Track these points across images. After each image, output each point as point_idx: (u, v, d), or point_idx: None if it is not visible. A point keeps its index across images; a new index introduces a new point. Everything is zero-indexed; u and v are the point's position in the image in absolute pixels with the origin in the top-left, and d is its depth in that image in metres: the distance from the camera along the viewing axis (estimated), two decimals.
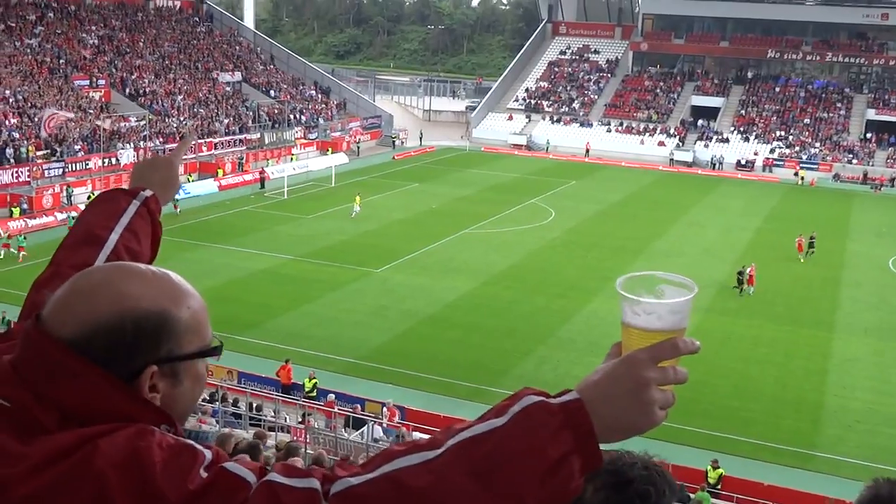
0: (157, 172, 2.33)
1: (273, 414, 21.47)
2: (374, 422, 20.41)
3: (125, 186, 2.26)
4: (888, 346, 29.63)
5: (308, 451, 15.76)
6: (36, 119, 46.25)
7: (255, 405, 21.72)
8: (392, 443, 18.85)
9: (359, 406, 22.37)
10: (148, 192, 2.21)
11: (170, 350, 1.53)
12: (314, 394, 23.31)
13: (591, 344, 28.66)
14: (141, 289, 1.53)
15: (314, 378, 23.73)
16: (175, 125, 54.96)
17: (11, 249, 35.53)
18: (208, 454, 1.42)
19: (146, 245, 2.15)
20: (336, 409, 21.93)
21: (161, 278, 1.57)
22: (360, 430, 19.90)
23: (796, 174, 64.37)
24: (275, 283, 33.17)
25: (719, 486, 19.85)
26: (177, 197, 45.36)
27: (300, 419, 21.25)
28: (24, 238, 36.38)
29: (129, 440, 1.39)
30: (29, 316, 1.84)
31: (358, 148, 65.63)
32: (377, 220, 44.03)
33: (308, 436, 18.68)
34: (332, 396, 22.60)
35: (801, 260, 39.84)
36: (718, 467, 19.93)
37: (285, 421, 21.23)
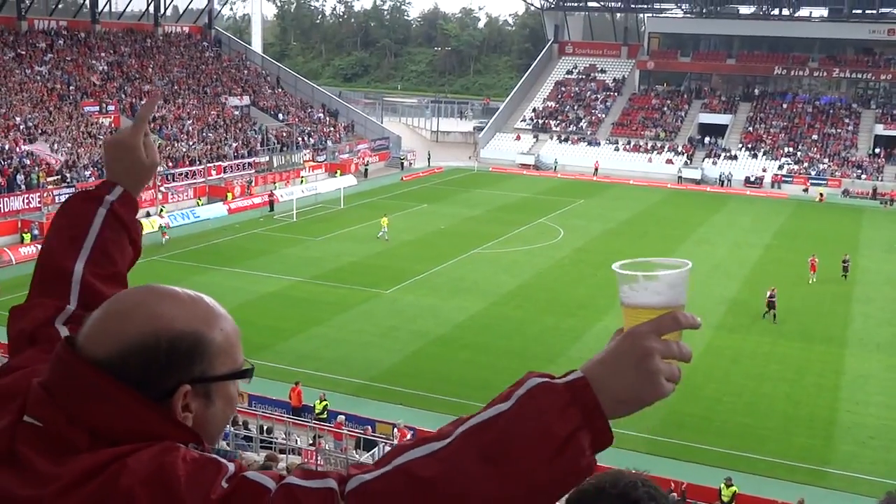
0: (121, 161, 2.09)
1: (284, 436, 21.45)
2: (385, 443, 20.35)
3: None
4: None
5: None
6: (36, 148, 46.50)
7: (265, 427, 21.70)
8: None
9: (369, 427, 22.33)
10: (114, 195, 2.03)
11: (203, 371, 1.55)
12: (325, 415, 23.28)
13: None
14: (174, 310, 1.55)
15: (325, 400, 23.71)
16: (185, 149, 55.24)
17: None
18: (231, 466, 1.45)
19: (123, 259, 2.04)
20: (346, 431, 21.90)
21: (195, 300, 1.60)
22: (370, 452, 19.86)
23: (806, 191, 64.32)
24: (285, 306, 33.22)
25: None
26: (183, 221, 45.68)
27: (311, 441, 21.22)
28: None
29: (155, 456, 1.42)
30: (18, 344, 1.89)
31: (366, 170, 65.80)
32: (386, 242, 44.08)
33: (319, 458, 18.63)
34: (341, 418, 22.56)
35: (811, 281, 38.97)
36: (732, 485, 19.81)
37: (296, 443, 21.20)
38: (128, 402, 1.49)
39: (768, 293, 33.67)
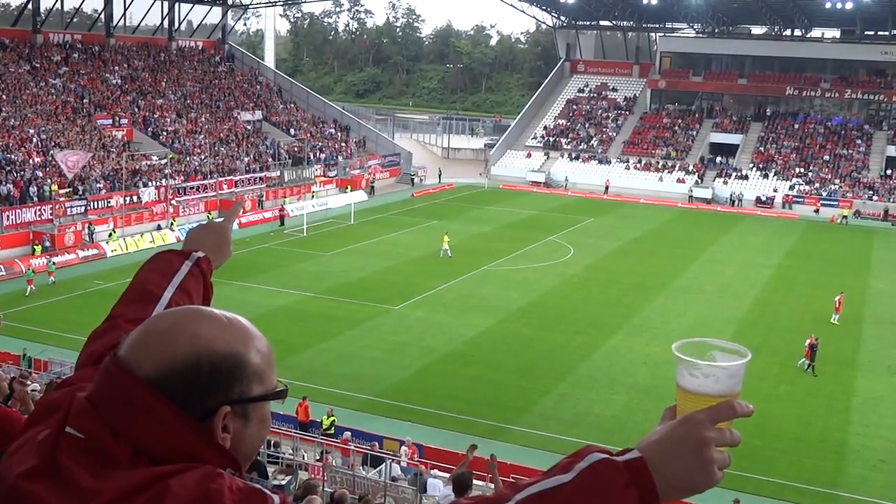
0: (210, 237, 2.39)
1: (291, 451, 21.39)
2: (392, 460, 20.28)
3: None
4: None
5: (326, 489, 15.68)
6: (56, 155, 46.71)
7: (272, 442, 21.65)
8: (409, 479, 18.74)
9: (377, 444, 22.26)
10: (200, 254, 2.26)
11: (241, 392, 1.56)
12: (332, 431, 23.22)
13: (612, 381, 28.50)
14: (215, 331, 1.57)
15: (332, 415, 23.65)
16: (196, 163, 55.46)
17: (33, 287, 35.95)
18: (276, 499, 1.46)
19: (198, 303, 2.19)
20: (353, 447, 21.83)
21: (233, 322, 1.61)
22: (377, 469, 19.78)
23: (816, 211, 64.15)
24: (294, 320, 33.23)
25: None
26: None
27: (318, 457, 21.16)
28: (54, 264, 38.49)
29: (201, 482, 1.42)
30: (86, 364, 1.91)
31: (372, 188, 65.59)
32: (396, 257, 44.11)
33: (325, 474, 18.57)
34: (348, 434, 22.51)
35: (835, 322, 35.91)
36: None
37: (303, 458, 21.14)
38: (173, 420, 1.49)
39: (808, 341, 30.41)
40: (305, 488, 11.51)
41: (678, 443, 1.48)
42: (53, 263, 38.78)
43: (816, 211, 64.77)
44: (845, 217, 62.44)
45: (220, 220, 2.47)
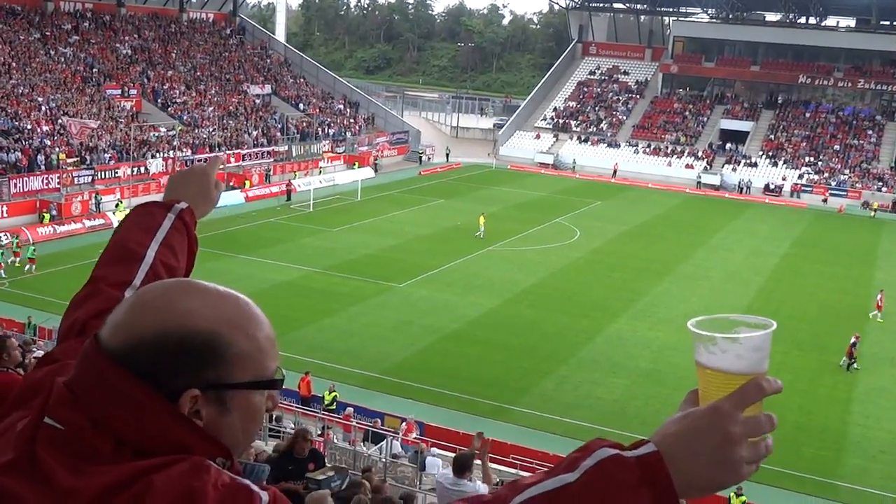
0: (192, 185, 2.23)
1: (293, 426, 21.46)
2: (393, 437, 20.35)
3: (159, 199, 2.20)
4: None
5: (326, 464, 15.72)
6: (67, 123, 46.70)
7: (274, 416, 21.72)
8: (410, 457, 18.79)
9: (378, 420, 22.32)
10: (183, 205, 2.13)
11: (218, 376, 1.43)
12: (333, 407, 23.30)
13: (614, 365, 28.52)
14: (195, 306, 1.44)
15: (334, 391, 23.73)
16: (205, 136, 55.41)
17: (16, 262, 34.94)
18: (265, 496, 1.35)
19: (183, 259, 2.09)
20: (355, 423, 21.90)
21: (224, 299, 1.48)
22: (378, 445, 19.85)
23: (825, 201, 63.97)
24: (298, 296, 33.28)
25: (731, 487, 19.58)
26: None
27: (319, 432, 21.23)
28: (34, 250, 35.57)
29: (184, 478, 1.32)
30: (68, 334, 1.82)
31: (376, 165, 65.29)
32: (401, 235, 44.10)
33: (326, 449, 18.63)
34: (350, 410, 22.58)
35: (879, 319, 35.42)
36: (742, 494, 19.70)
37: None
38: (155, 409, 1.39)
39: (852, 339, 30.14)
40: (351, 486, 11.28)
41: (700, 437, 1.32)
42: (34, 250, 35.48)
43: (825, 200, 64.54)
44: (875, 210, 61.48)
45: (202, 164, 2.32)
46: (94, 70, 56.65)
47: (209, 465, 1.36)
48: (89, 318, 1.84)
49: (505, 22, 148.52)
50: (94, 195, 44.19)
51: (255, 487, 1.36)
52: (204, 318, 1.43)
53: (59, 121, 48.16)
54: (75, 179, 45.01)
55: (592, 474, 1.30)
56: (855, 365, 29.77)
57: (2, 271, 34.27)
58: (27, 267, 34.55)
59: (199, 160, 51.71)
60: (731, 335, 1.36)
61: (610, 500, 1.29)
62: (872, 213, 61.30)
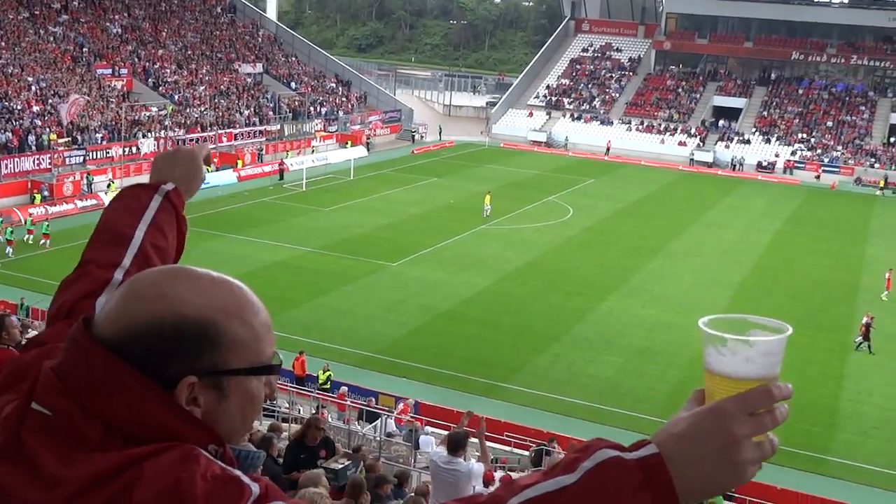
0: (179, 165, 2.21)
1: (287, 405, 21.53)
2: (387, 415, 20.43)
3: (146, 181, 2.19)
4: None
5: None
6: (57, 106, 46.45)
7: None
8: (404, 436, 18.87)
9: (373, 399, 22.40)
10: (169, 186, 2.12)
11: (213, 362, 1.42)
12: (328, 386, 23.37)
13: (607, 343, 28.62)
14: (188, 294, 1.42)
15: (328, 370, 23.79)
16: (196, 115, 55.17)
17: (30, 239, 35.71)
18: (255, 488, 1.31)
19: (172, 240, 2.08)
20: (349, 402, 21.97)
21: (217, 285, 1.46)
22: (373, 424, 19.93)
23: (818, 177, 64.03)
24: (291, 275, 33.27)
25: (733, 489, 19.78)
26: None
27: (314, 411, 21.29)
28: (48, 225, 36.44)
29: (173, 468, 1.29)
30: (56, 317, 1.80)
31: (369, 144, 64.88)
32: (394, 214, 44.07)
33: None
34: (344, 389, 22.65)
35: (884, 298, 35.13)
36: None
37: (299, 412, 21.28)
38: (146, 395, 1.37)
39: (864, 320, 29.84)
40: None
41: (703, 439, 1.28)
42: (47, 225, 36.56)
43: (817, 177, 64.61)
44: (883, 189, 61.22)
45: (189, 146, 2.30)
46: (85, 49, 56.27)
47: (199, 454, 1.34)
48: (77, 299, 1.83)
49: None
50: (85, 175, 44.04)
51: (245, 479, 1.33)
52: (198, 306, 1.42)
53: (51, 101, 47.88)
54: (67, 160, 44.84)
55: (591, 476, 1.27)
56: (867, 346, 29.33)
57: (10, 248, 34.62)
58: (42, 242, 35.23)
59: (192, 140, 51.55)
60: (742, 337, 1.31)
61: (609, 503, 1.25)
62: (880, 192, 61.00)
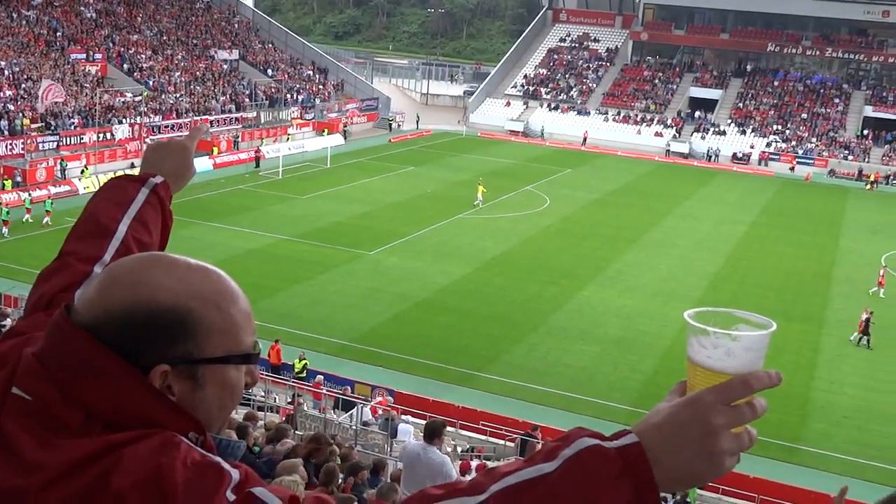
0: (169, 158, 2.20)
1: (263, 394, 21.47)
2: (363, 404, 20.42)
3: (135, 172, 2.17)
4: (877, 342, 29.69)
5: (297, 432, 15.76)
6: (31, 92, 45.94)
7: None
8: (380, 424, 18.87)
9: (349, 388, 22.38)
10: (158, 179, 2.10)
11: (188, 351, 1.41)
12: (304, 374, 23.32)
13: (582, 332, 28.73)
14: (164, 280, 1.41)
15: (304, 359, 23.74)
16: (171, 102, 54.73)
17: (29, 217, 36.30)
18: (235, 474, 1.32)
19: (156, 235, 2.06)
20: (325, 391, 21.94)
21: (194, 272, 1.45)
22: (349, 412, 19.92)
23: (792, 169, 64.46)
24: (267, 263, 33.12)
25: (711, 481, 19.93)
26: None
27: (290, 400, 21.25)
28: (52, 203, 37.14)
29: (152, 455, 1.29)
30: (35, 308, 1.78)
31: (346, 132, 64.61)
32: (371, 203, 43.96)
33: (297, 417, 18.66)
34: (320, 378, 22.60)
35: (881, 294, 34.60)
36: None
37: (275, 401, 21.23)
38: (126, 380, 1.37)
39: (863, 315, 29.79)
40: (277, 432, 11.51)
41: (682, 429, 1.28)
42: (52, 203, 37.22)
43: (792, 169, 65.08)
44: (873, 183, 61.39)
45: (181, 138, 2.28)
46: (59, 34, 55.64)
47: (179, 440, 1.33)
48: (57, 292, 1.81)
49: None
50: (59, 161, 43.58)
51: (225, 465, 1.33)
52: (173, 293, 1.41)
53: (25, 86, 47.32)
54: (40, 145, 44.34)
55: (571, 464, 1.27)
56: (867, 341, 29.24)
57: (6, 229, 34.81)
58: (44, 220, 35.85)
59: (167, 126, 51.16)
60: (725, 331, 1.31)
61: (589, 491, 1.25)
62: (868, 186, 61.15)
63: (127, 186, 2.08)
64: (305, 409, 20.06)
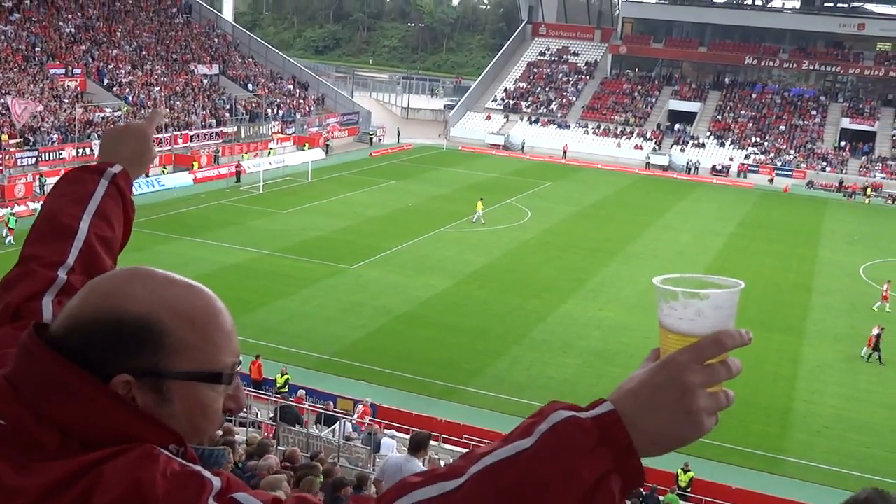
0: (128, 143, 2.12)
1: (244, 410, 21.34)
2: (346, 419, 20.34)
3: (92, 162, 2.09)
4: (858, 353, 29.88)
5: (279, 447, 15.69)
6: (6, 108, 45.66)
7: None
8: (363, 439, 18.80)
9: (331, 403, 22.29)
10: (116, 169, 2.03)
11: (154, 363, 1.37)
12: (286, 389, 23.21)
13: (565, 345, 28.75)
14: (137, 291, 1.39)
15: (286, 374, 23.63)
16: None
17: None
18: (217, 482, 1.30)
19: (119, 228, 2.01)
20: (307, 406, 21.83)
21: (173, 285, 1.42)
22: (331, 428, 19.82)
23: (771, 181, 64.90)
24: (248, 278, 33.00)
25: (689, 490, 19.98)
26: (147, 190, 45.15)
27: (271, 415, 21.14)
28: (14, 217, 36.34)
29: (131, 469, 1.26)
30: (2, 323, 1.73)
31: (327, 146, 64.56)
32: (353, 217, 43.92)
33: (279, 433, 18.57)
34: (301, 392, 22.50)
35: (886, 309, 34.24)
36: (689, 470, 20.06)
37: (256, 416, 21.11)
38: (100, 398, 1.34)
39: (875, 331, 29.39)
40: (259, 447, 11.47)
41: (657, 391, 1.27)
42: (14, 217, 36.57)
43: (771, 180, 65.54)
44: (868, 196, 61.62)
45: (140, 121, 2.21)
46: (37, 49, 55.39)
47: (158, 453, 1.31)
48: (22, 301, 1.77)
49: (455, 2, 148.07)
50: (38, 177, 43.30)
51: (206, 474, 1.31)
52: (144, 303, 1.38)
53: (1, 101, 47.03)
54: (18, 161, 44.06)
55: (548, 438, 1.25)
56: (878, 357, 28.92)
57: (12, 237, 34.58)
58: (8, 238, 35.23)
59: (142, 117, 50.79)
60: (691, 290, 1.31)
61: (567, 464, 1.23)
62: (867, 200, 61.21)
63: (85, 179, 2.01)
64: (287, 424, 19.94)
